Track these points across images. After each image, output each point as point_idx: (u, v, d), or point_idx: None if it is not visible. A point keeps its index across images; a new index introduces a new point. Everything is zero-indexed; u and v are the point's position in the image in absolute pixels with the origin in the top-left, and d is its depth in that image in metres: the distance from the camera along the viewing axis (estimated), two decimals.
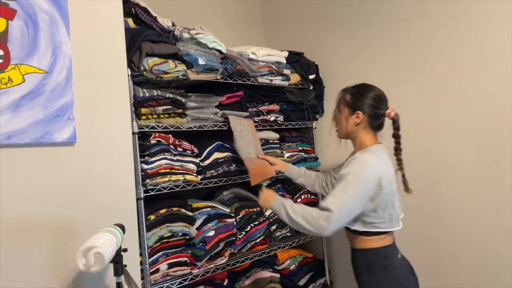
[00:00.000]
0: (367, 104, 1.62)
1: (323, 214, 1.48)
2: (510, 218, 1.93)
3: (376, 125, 1.65)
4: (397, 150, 1.62)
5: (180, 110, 1.90)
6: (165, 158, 1.79)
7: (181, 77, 1.85)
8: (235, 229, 2.04)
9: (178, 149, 1.88)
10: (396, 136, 1.63)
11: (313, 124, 2.59)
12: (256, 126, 2.25)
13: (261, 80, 2.25)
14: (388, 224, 1.58)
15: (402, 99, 2.27)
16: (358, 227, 1.59)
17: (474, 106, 2.03)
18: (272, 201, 1.65)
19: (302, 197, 2.48)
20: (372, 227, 1.57)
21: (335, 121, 1.76)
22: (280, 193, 2.39)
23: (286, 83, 2.40)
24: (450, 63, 2.10)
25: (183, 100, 1.91)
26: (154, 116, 1.78)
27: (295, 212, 1.55)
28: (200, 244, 1.89)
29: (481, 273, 2.03)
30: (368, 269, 1.61)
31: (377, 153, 1.60)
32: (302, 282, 2.39)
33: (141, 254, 1.66)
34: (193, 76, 1.89)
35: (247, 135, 2.07)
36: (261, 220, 2.20)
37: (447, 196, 2.12)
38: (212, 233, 1.93)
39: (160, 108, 1.81)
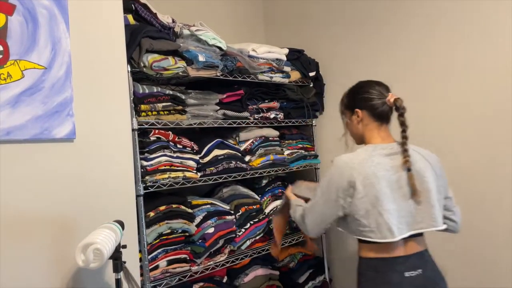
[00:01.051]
0: (361, 99, 1.52)
1: (302, 217, 1.57)
2: (510, 217, 1.93)
3: (377, 117, 1.50)
4: (403, 139, 1.44)
5: (180, 107, 1.90)
6: (165, 155, 1.79)
7: (181, 73, 1.85)
8: (234, 226, 2.04)
9: (178, 146, 1.88)
10: (402, 124, 1.45)
11: (313, 121, 2.59)
12: (256, 124, 2.25)
13: (261, 77, 2.24)
14: (378, 234, 1.38)
15: (402, 97, 2.26)
16: (350, 233, 1.48)
17: (473, 104, 2.03)
18: (292, 201, 1.74)
19: None
20: (362, 235, 1.42)
21: (347, 129, 1.65)
22: (280, 190, 2.39)
23: (286, 81, 2.39)
24: (449, 60, 2.10)
25: (183, 97, 1.91)
26: (154, 112, 1.78)
27: (294, 211, 1.66)
28: (200, 241, 1.89)
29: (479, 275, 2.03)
30: (357, 278, 1.49)
31: (363, 151, 1.46)
32: (301, 280, 2.39)
33: (140, 251, 1.66)
34: (193, 72, 1.89)
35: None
36: (260, 218, 2.20)
37: None
38: (211, 230, 1.93)
39: (160, 105, 1.80)
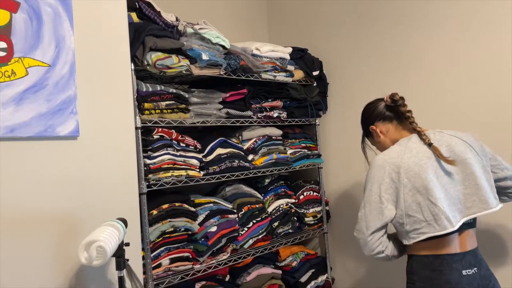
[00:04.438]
0: (368, 116, 1.63)
1: (355, 236, 1.50)
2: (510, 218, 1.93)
3: (390, 119, 1.57)
4: (412, 124, 1.50)
5: (183, 106, 1.90)
6: (168, 153, 1.79)
7: (184, 72, 1.85)
8: (237, 225, 2.04)
9: (181, 144, 1.88)
10: (405, 113, 1.52)
11: (317, 121, 2.58)
12: (259, 123, 2.25)
13: (264, 76, 2.24)
14: (436, 227, 1.32)
15: (407, 96, 2.25)
16: (406, 241, 1.41)
17: (479, 103, 2.02)
18: None
19: (305, 193, 2.47)
20: (420, 235, 1.36)
21: (378, 146, 1.67)
22: (283, 189, 2.39)
23: (289, 80, 2.39)
24: (456, 60, 2.09)
25: (186, 96, 1.91)
26: (157, 111, 1.78)
27: None
28: (202, 239, 1.89)
29: None
30: (408, 277, 1.43)
31: (398, 145, 1.48)
32: (303, 279, 2.38)
33: (143, 249, 1.66)
34: (196, 71, 1.89)
35: None
36: (263, 217, 2.20)
37: None
38: (214, 228, 1.93)
39: (163, 103, 1.80)
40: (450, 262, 1.35)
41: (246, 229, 2.10)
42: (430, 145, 1.41)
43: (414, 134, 1.51)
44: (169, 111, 1.83)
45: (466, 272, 1.35)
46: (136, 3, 1.75)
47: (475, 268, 1.37)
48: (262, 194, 2.29)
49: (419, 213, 1.36)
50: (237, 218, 2.05)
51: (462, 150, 1.43)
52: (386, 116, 1.58)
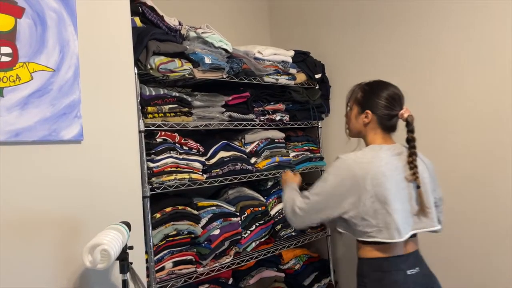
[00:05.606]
0: (378, 104, 1.50)
1: (295, 209, 1.53)
2: (510, 221, 1.93)
3: (386, 126, 1.51)
4: (412, 156, 1.44)
5: (186, 109, 1.90)
6: (171, 157, 1.80)
7: (187, 76, 1.85)
8: (240, 228, 2.04)
9: (184, 147, 1.88)
10: (410, 140, 1.46)
11: (319, 123, 2.59)
12: (261, 126, 2.26)
13: (267, 79, 2.25)
14: (386, 234, 1.38)
15: (408, 99, 2.25)
16: (358, 237, 1.46)
17: (482, 105, 2.02)
18: (285, 186, 1.72)
19: None
20: (368, 236, 1.42)
21: (346, 119, 1.64)
22: None
23: (292, 83, 2.39)
24: (457, 63, 2.09)
25: (189, 99, 1.91)
26: (160, 114, 1.79)
27: (289, 198, 1.60)
28: (205, 242, 1.89)
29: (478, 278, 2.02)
30: (359, 280, 1.48)
31: (370, 151, 1.47)
32: (307, 282, 2.38)
33: (146, 252, 1.67)
34: (199, 75, 1.90)
35: None
36: (266, 220, 2.20)
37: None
38: (217, 232, 1.93)
39: (166, 107, 1.81)
40: (397, 263, 1.43)
41: (249, 232, 2.10)
42: (418, 187, 1.44)
43: (385, 144, 1.50)
44: (172, 114, 1.84)
45: (410, 271, 1.43)
46: (140, 8, 1.76)
47: (418, 268, 1.45)
48: (265, 197, 2.30)
49: (374, 218, 1.40)
50: (240, 221, 2.06)
51: (421, 169, 1.48)
52: (389, 125, 1.52)
